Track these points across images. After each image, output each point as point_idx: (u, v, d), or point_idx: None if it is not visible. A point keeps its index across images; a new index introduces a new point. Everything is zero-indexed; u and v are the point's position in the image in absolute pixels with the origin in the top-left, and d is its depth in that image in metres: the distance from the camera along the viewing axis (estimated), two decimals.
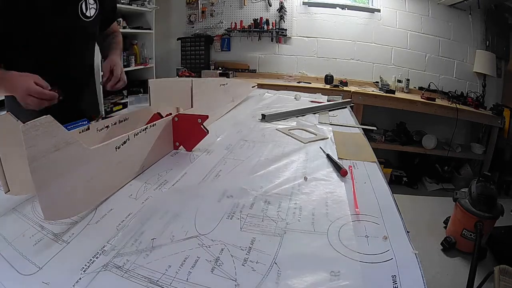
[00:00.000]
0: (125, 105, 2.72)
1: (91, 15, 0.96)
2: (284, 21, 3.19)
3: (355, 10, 3.10)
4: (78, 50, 0.98)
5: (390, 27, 3.08)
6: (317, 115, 1.28)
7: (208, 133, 0.77)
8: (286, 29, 3.20)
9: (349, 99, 1.60)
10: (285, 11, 3.16)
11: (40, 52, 0.87)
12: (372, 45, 3.14)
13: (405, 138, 3.00)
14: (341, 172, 0.69)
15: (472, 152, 2.97)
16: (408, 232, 0.49)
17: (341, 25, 3.14)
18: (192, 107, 0.90)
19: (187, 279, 0.38)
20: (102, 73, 1.00)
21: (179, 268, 0.39)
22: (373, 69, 3.19)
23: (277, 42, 3.27)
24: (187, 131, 0.78)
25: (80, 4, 0.92)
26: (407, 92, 3.03)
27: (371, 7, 3.07)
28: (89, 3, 0.95)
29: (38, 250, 0.42)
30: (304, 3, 3.14)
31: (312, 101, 1.53)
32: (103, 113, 2.20)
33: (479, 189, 1.86)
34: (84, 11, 0.94)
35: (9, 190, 0.51)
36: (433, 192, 2.90)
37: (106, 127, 0.74)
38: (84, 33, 0.97)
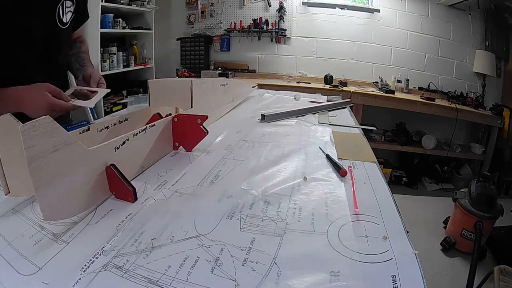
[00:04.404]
0: (124, 105, 2.72)
1: (67, 20, 0.88)
2: (283, 21, 3.19)
3: (354, 10, 3.10)
4: (54, 58, 0.90)
5: (390, 27, 3.09)
6: (316, 115, 1.28)
7: (207, 133, 0.77)
8: (285, 29, 3.20)
9: (349, 99, 1.60)
10: (285, 11, 3.16)
11: (14, 60, 0.78)
12: (371, 45, 3.14)
13: (404, 138, 3.01)
14: (340, 172, 0.69)
15: (472, 152, 2.97)
16: (408, 232, 0.49)
17: (341, 25, 3.14)
18: (191, 107, 0.90)
19: (187, 279, 0.38)
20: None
21: (179, 268, 0.39)
22: (373, 69, 3.20)
23: (276, 42, 3.28)
24: (187, 132, 0.78)
25: (57, 8, 0.83)
26: (406, 92, 3.03)
27: (370, 7, 3.07)
28: (66, 6, 0.86)
29: (38, 250, 0.42)
30: (303, 3, 3.15)
31: (311, 101, 1.53)
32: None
33: (479, 189, 1.86)
34: (61, 16, 0.85)
35: (9, 192, 0.51)
36: (433, 192, 2.90)
37: (106, 127, 0.74)
38: (60, 41, 0.89)
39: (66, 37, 0.93)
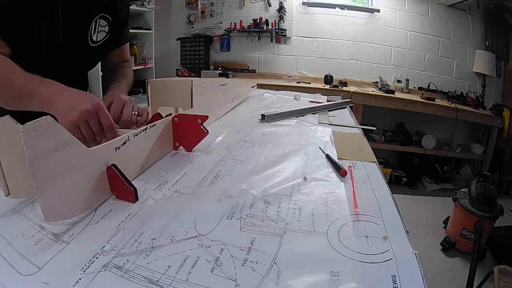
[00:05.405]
0: None
1: (97, 39, 0.86)
2: (283, 21, 3.19)
3: (354, 10, 3.10)
4: (73, 72, 0.87)
5: (390, 27, 3.09)
6: (316, 115, 1.28)
7: (208, 133, 0.77)
8: (285, 29, 3.20)
9: (349, 99, 1.60)
10: (285, 11, 3.16)
11: (39, 71, 0.74)
12: (371, 45, 3.14)
13: (404, 138, 3.01)
14: (340, 172, 0.69)
15: (472, 152, 2.97)
16: (408, 232, 0.49)
17: (341, 25, 3.14)
18: (192, 107, 0.90)
19: (187, 279, 0.38)
20: None
21: (179, 268, 0.39)
22: (373, 69, 3.20)
23: (276, 42, 3.28)
24: (187, 132, 0.78)
25: (91, 24, 0.81)
26: (406, 92, 3.03)
27: (370, 7, 3.07)
28: (99, 25, 0.84)
29: (38, 250, 0.42)
30: (303, 3, 3.15)
31: (311, 101, 1.53)
32: None
33: (479, 189, 1.86)
34: (92, 34, 0.83)
35: (9, 193, 0.51)
36: (433, 192, 2.90)
37: None
38: (85, 57, 0.87)
39: (93, 55, 0.89)
